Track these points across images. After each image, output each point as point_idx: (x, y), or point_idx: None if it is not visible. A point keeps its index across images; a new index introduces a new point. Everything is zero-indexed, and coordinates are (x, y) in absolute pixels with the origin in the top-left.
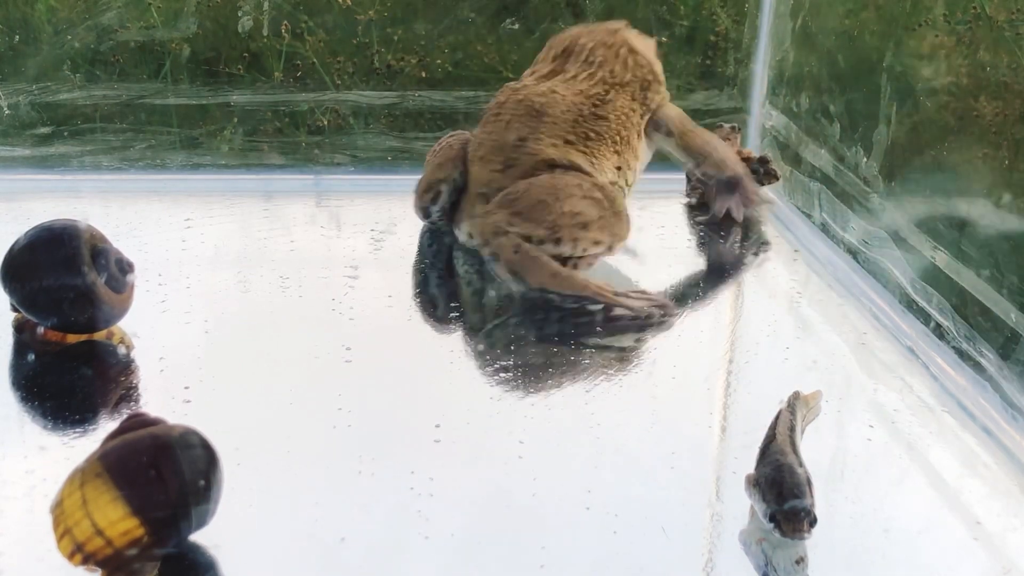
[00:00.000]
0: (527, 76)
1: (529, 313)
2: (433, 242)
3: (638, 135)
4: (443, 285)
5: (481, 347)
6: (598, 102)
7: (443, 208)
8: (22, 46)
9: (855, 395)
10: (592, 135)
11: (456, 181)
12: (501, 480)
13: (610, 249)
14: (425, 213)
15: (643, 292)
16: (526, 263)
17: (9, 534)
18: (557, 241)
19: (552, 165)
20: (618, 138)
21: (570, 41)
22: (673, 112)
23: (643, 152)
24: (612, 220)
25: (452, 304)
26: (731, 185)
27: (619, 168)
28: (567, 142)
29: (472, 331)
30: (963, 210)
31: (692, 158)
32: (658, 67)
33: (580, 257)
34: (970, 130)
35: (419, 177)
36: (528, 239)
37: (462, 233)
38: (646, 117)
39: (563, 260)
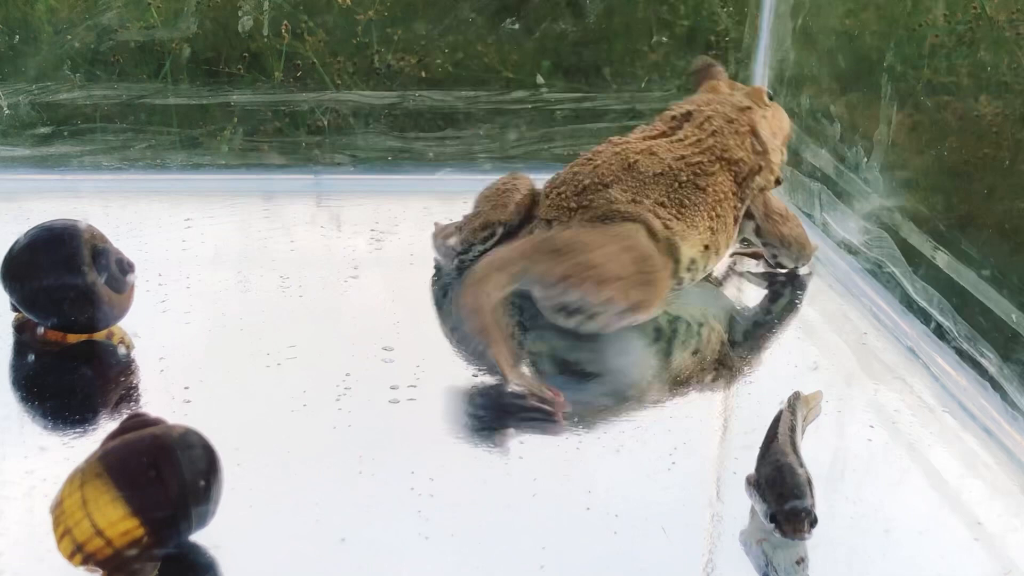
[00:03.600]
0: (637, 131)
1: (529, 316)
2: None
3: (735, 219)
4: (445, 285)
5: (482, 348)
6: (699, 172)
7: (486, 250)
8: (22, 46)
9: (855, 395)
10: (687, 203)
11: (511, 226)
12: (501, 480)
13: (630, 314)
14: (466, 248)
15: (541, 390)
16: (475, 302)
17: (9, 534)
18: (565, 290)
19: (623, 218)
20: (714, 215)
21: (695, 107)
22: (771, 199)
23: (734, 238)
24: (640, 284)
25: (453, 305)
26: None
27: (706, 247)
28: (659, 204)
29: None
30: (963, 210)
31: (769, 243)
32: (776, 158)
33: (592, 314)
34: (970, 130)
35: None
36: (544, 276)
37: None
38: (745, 203)
39: (571, 311)
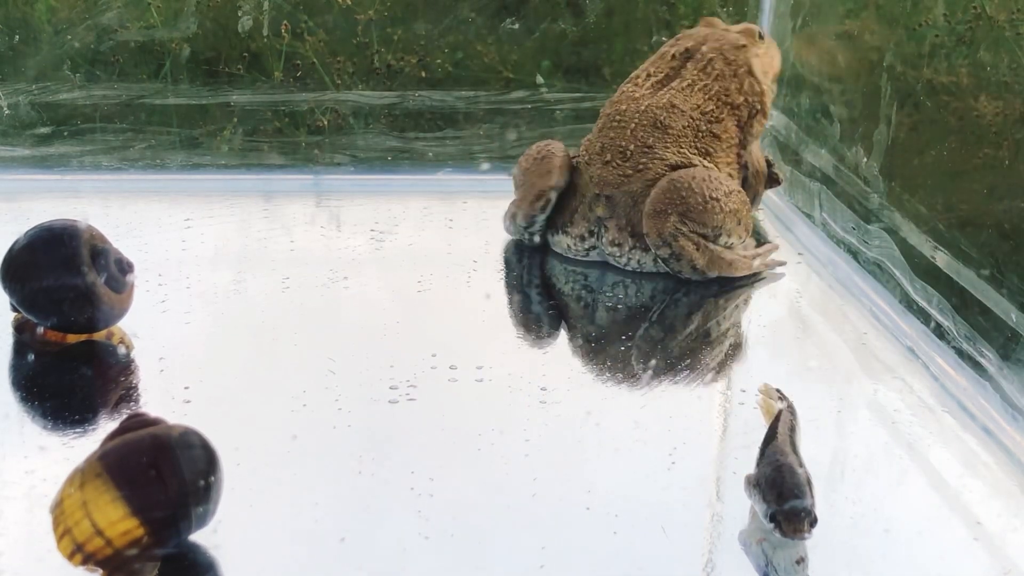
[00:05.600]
0: (643, 76)
1: (529, 315)
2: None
3: (739, 166)
4: (446, 285)
5: (481, 348)
6: (712, 119)
7: (547, 218)
8: (22, 46)
9: (855, 395)
10: (709, 152)
11: (561, 189)
12: (501, 480)
13: (741, 239)
14: (530, 223)
15: (760, 247)
16: (708, 258)
17: (9, 534)
18: (718, 237)
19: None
20: (728, 161)
21: (694, 44)
22: (758, 152)
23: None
24: (748, 214)
25: (453, 304)
26: None
27: None
28: (692, 154)
29: (473, 332)
30: (963, 210)
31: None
32: (769, 98)
33: (724, 241)
34: (970, 130)
35: (511, 192)
36: (702, 236)
37: (568, 237)
38: (744, 152)
39: (709, 237)
